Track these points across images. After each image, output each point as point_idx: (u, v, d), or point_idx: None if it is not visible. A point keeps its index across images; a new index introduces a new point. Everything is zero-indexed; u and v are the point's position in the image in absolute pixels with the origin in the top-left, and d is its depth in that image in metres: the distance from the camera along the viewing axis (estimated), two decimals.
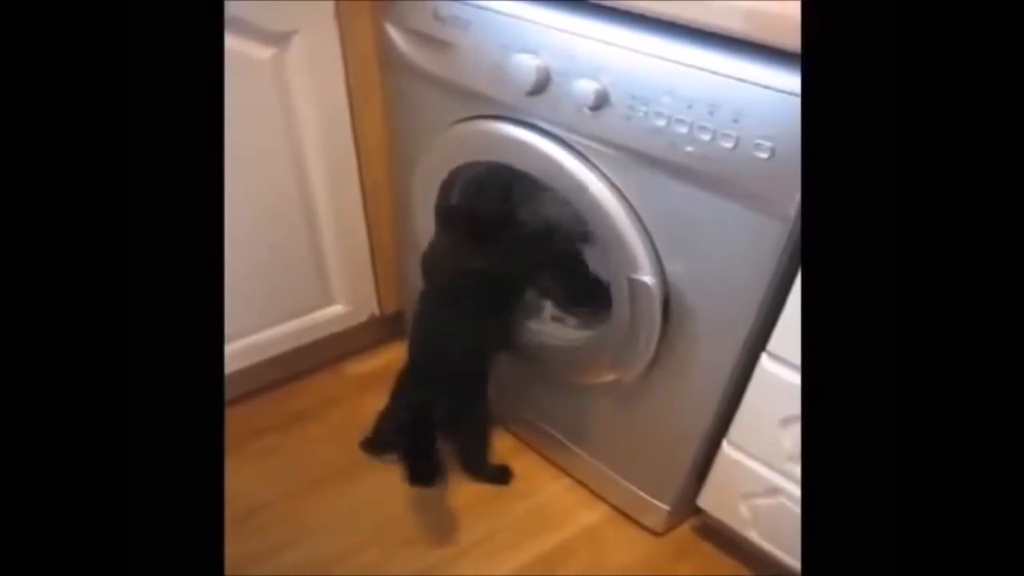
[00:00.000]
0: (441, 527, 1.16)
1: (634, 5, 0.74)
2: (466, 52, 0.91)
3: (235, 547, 1.08)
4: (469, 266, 1.00)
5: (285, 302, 1.26)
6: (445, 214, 1.09)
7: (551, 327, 1.10)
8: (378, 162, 1.20)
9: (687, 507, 1.11)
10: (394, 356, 1.44)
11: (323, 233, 1.22)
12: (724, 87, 0.70)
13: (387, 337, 1.49)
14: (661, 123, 0.75)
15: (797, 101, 0.65)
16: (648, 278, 0.85)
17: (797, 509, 0.92)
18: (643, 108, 0.76)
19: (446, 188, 1.07)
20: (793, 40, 0.64)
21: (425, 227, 1.13)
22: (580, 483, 1.23)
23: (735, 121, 0.70)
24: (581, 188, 0.86)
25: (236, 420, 1.30)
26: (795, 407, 0.84)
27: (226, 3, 0.87)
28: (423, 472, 1.00)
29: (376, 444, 1.20)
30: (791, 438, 0.87)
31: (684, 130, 0.74)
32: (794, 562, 0.97)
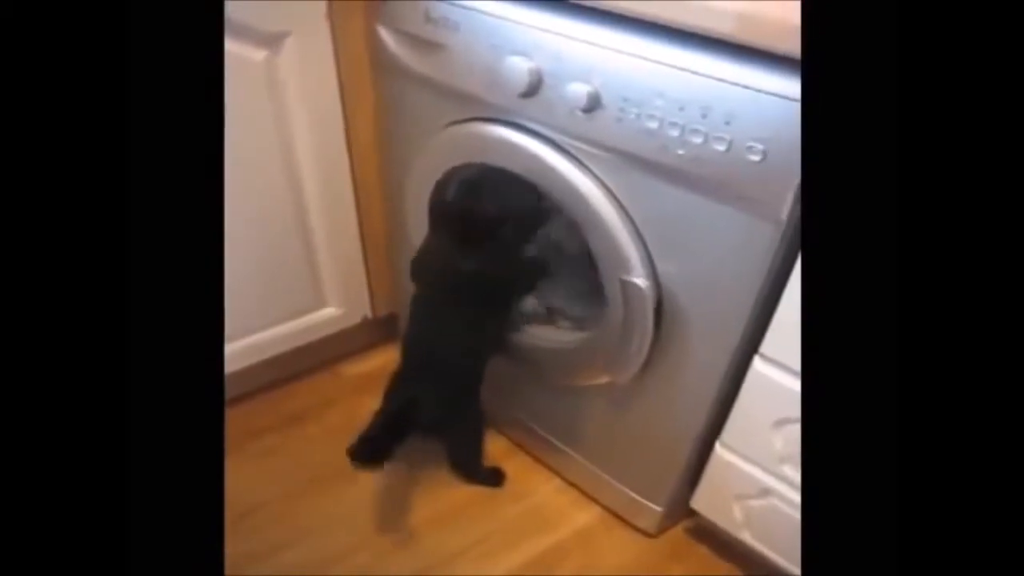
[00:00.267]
0: (435, 529, 1.16)
1: (626, 8, 0.74)
2: (458, 54, 0.90)
3: (232, 547, 1.08)
4: (461, 267, 1.00)
5: (278, 304, 1.26)
6: (438, 214, 1.09)
7: (543, 329, 1.10)
8: (370, 164, 1.20)
9: (680, 509, 1.11)
10: (389, 358, 1.43)
11: (315, 235, 1.22)
12: (716, 90, 0.70)
13: (382, 339, 1.49)
14: (653, 125, 0.75)
15: (789, 104, 0.65)
16: (640, 280, 0.85)
17: (790, 511, 0.92)
18: (635, 110, 0.76)
19: (439, 190, 1.07)
20: (785, 43, 0.64)
21: (418, 229, 1.13)
22: (573, 485, 1.23)
23: (727, 124, 0.70)
24: (573, 190, 0.86)
25: (232, 421, 1.29)
26: (788, 409, 0.84)
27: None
28: (370, 449, 1.01)
29: (367, 450, 1.19)
30: (784, 440, 0.87)
31: (676, 133, 0.74)
32: (787, 564, 0.97)
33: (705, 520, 1.08)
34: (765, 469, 0.92)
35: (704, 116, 0.71)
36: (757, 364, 0.85)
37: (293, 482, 1.22)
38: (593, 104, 0.79)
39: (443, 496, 1.21)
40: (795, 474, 0.89)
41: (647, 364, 0.93)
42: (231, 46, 0.95)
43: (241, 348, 1.24)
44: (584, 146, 0.84)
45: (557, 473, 1.25)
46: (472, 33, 0.88)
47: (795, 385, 0.82)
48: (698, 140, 0.72)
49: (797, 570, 0.96)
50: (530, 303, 1.14)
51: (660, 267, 0.85)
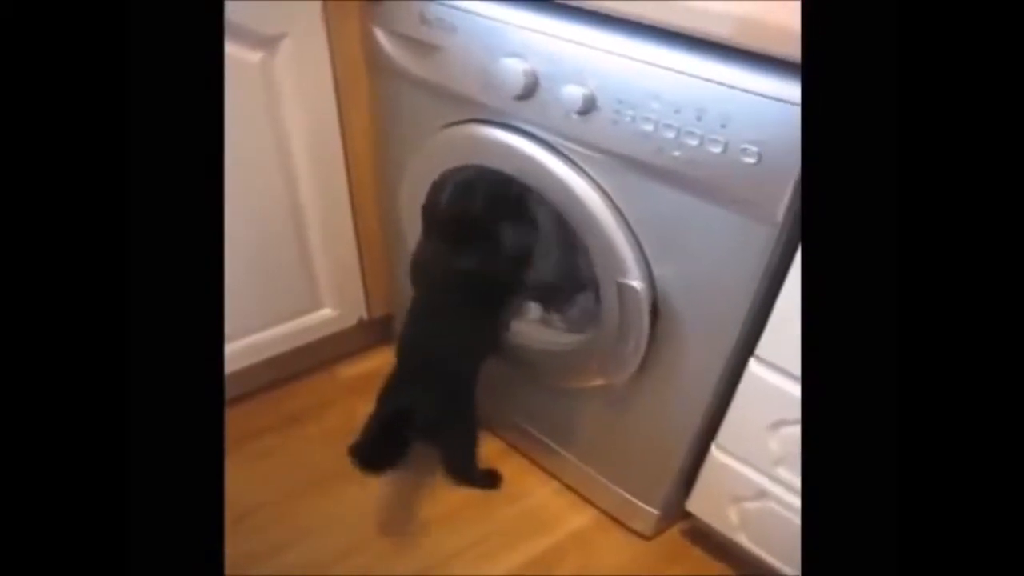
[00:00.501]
0: (432, 530, 1.16)
1: (621, 10, 0.74)
2: (454, 56, 0.90)
3: (230, 548, 1.07)
4: (457, 267, 1.00)
5: (274, 306, 1.26)
6: (433, 216, 1.09)
7: (539, 331, 1.10)
8: (366, 166, 1.20)
9: (676, 511, 1.11)
10: (385, 359, 1.43)
11: (311, 236, 1.22)
12: (711, 92, 0.70)
13: (376, 340, 1.49)
14: (649, 128, 0.75)
15: (784, 106, 0.65)
16: (636, 282, 0.85)
17: (785, 513, 0.92)
18: (630, 113, 0.76)
19: (435, 192, 1.07)
20: (780, 46, 0.64)
21: (413, 231, 1.13)
22: (569, 487, 1.23)
23: (722, 126, 0.70)
24: (569, 192, 0.86)
25: (229, 422, 1.29)
26: (783, 411, 0.84)
27: None
28: (373, 452, 1.02)
29: (365, 451, 1.19)
30: (779, 442, 0.87)
31: (671, 135, 0.74)
32: (783, 565, 0.97)
33: (701, 522, 1.08)
34: (760, 471, 0.92)
35: (699, 118, 0.71)
36: (752, 366, 0.85)
37: (290, 483, 1.22)
38: (589, 106, 0.79)
39: (440, 498, 1.21)
40: (790, 476, 0.89)
41: (643, 366, 0.93)
42: (227, 48, 0.94)
43: (237, 349, 1.24)
44: (580, 148, 0.84)
45: (553, 475, 1.25)
46: (468, 35, 0.88)
47: (791, 387, 0.82)
48: (693, 142, 0.73)
49: (792, 572, 0.96)
50: (526, 305, 1.14)
51: (656, 269, 0.85)
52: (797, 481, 0.88)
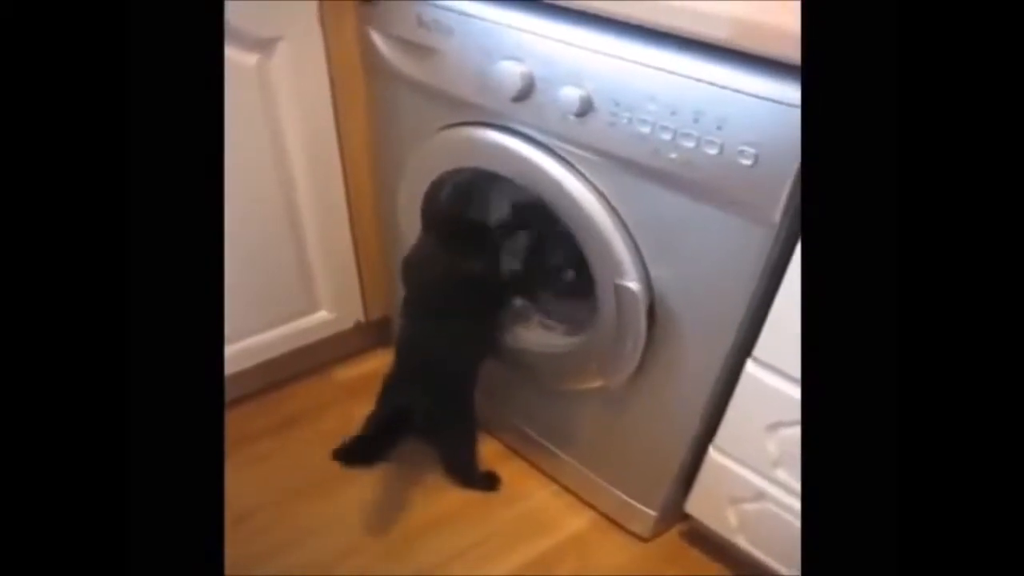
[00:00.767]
0: (430, 533, 1.15)
1: (618, 12, 0.74)
2: (450, 58, 0.90)
3: (228, 551, 1.05)
4: (463, 269, 1.00)
5: (271, 308, 1.25)
6: (436, 218, 1.09)
7: (537, 333, 1.10)
8: (363, 168, 1.20)
9: (674, 513, 1.11)
10: (383, 362, 1.43)
11: (308, 239, 1.22)
12: (708, 94, 0.70)
13: (375, 343, 1.48)
14: (645, 130, 0.75)
15: (781, 108, 0.65)
16: (634, 284, 0.85)
17: (784, 514, 0.92)
18: (627, 115, 0.76)
19: (432, 194, 1.07)
20: (776, 48, 0.64)
21: (411, 233, 1.13)
22: (567, 489, 1.23)
23: (719, 128, 0.70)
24: (566, 194, 0.86)
25: (227, 425, 1.28)
26: (781, 412, 0.84)
27: None
28: (357, 450, 1.07)
29: (354, 451, 1.19)
30: (777, 443, 0.87)
31: (668, 137, 0.74)
32: (781, 567, 0.97)
33: (699, 524, 1.08)
34: (759, 473, 0.92)
35: (696, 120, 0.71)
36: (750, 368, 0.85)
37: (288, 485, 1.21)
38: (585, 108, 0.79)
39: (438, 500, 1.20)
40: (789, 478, 0.89)
41: (640, 368, 0.93)
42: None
43: (234, 352, 1.23)
44: (576, 150, 0.84)
45: (551, 478, 1.25)
46: (464, 37, 0.88)
47: (788, 388, 0.82)
48: (690, 144, 0.72)
49: (791, 573, 0.96)
50: (523, 307, 1.14)
51: (653, 271, 0.85)
52: (795, 483, 0.88)
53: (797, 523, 0.91)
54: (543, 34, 0.80)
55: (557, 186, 0.86)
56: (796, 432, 0.84)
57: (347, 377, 1.45)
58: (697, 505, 1.05)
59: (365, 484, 1.21)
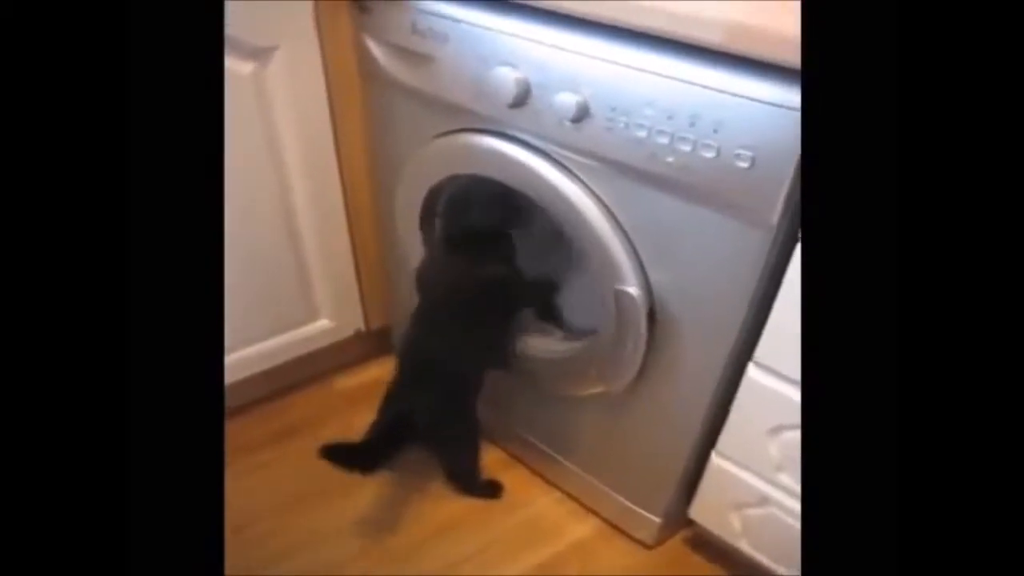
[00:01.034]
0: (431, 542, 1.15)
1: (614, 18, 0.74)
2: (446, 65, 0.90)
3: (227, 561, 1.06)
4: (487, 274, 1.00)
5: (270, 317, 1.25)
6: (445, 225, 1.08)
7: (537, 339, 1.09)
8: (361, 176, 1.20)
9: (678, 519, 1.10)
10: (383, 371, 1.42)
11: (307, 247, 1.21)
12: (704, 98, 0.70)
13: (376, 352, 1.48)
14: (642, 134, 0.75)
15: (777, 111, 0.65)
16: (633, 289, 0.85)
17: (787, 519, 0.91)
18: (624, 119, 0.76)
19: (429, 201, 1.07)
20: (773, 50, 0.64)
21: (409, 241, 1.13)
22: (570, 496, 1.22)
23: (715, 131, 0.70)
24: (564, 200, 0.86)
25: (227, 434, 1.27)
26: (783, 416, 0.84)
27: None
28: (357, 457, 1.06)
29: (342, 453, 1.17)
30: (779, 447, 0.87)
31: (665, 141, 0.73)
32: (786, 572, 0.96)
33: (703, 530, 1.07)
34: (762, 477, 0.91)
35: (692, 124, 0.71)
36: (751, 371, 0.84)
37: (288, 495, 1.21)
38: (581, 114, 0.79)
39: (440, 508, 1.20)
40: (792, 482, 0.88)
41: (641, 373, 0.93)
42: None
43: (233, 361, 1.23)
44: (573, 156, 0.84)
45: (554, 485, 1.24)
46: (459, 44, 0.87)
47: (790, 392, 0.81)
48: (687, 148, 0.72)
49: None
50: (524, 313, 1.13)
51: (652, 275, 0.85)
52: (799, 487, 0.88)
53: (800, 528, 0.90)
54: (538, 40, 0.80)
55: (555, 192, 0.86)
56: (799, 435, 0.84)
57: (347, 386, 1.44)
58: (701, 511, 1.04)
59: (366, 493, 1.20)
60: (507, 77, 0.83)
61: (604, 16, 0.75)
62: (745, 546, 1.00)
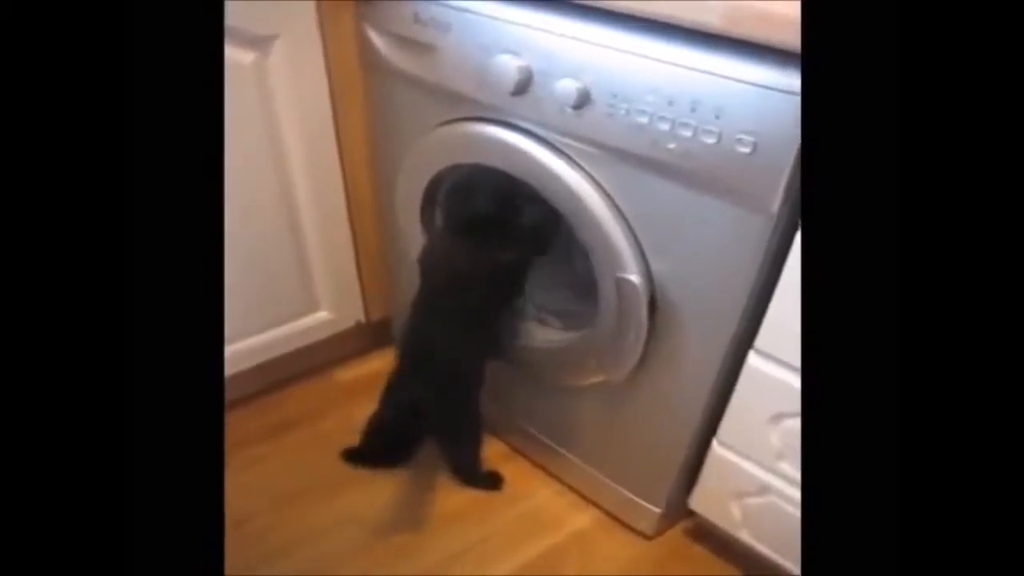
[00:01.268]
0: (431, 534, 1.15)
1: (614, 4, 0.74)
2: (448, 54, 0.90)
3: (228, 553, 1.05)
4: (495, 260, 1.00)
5: (269, 309, 1.25)
6: (460, 215, 1.09)
7: (538, 329, 1.10)
8: (362, 166, 1.20)
9: (679, 510, 1.10)
10: (383, 363, 1.42)
11: (307, 238, 1.21)
12: (706, 83, 0.70)
13: (375, 344, 1.48)
14: (643, 120, 0.75)
15: (779, 95, 0.65)
16: (634, 276, 0.85)
17: (788, 507, 0.91)
18: (625, 106, 0.76)
19: (430, 191, 1.07)
20: (773, 35, 0.64)
21: (410, 231, 1.13)
22: (571, 488, 1.22)
23: (717, 117, 0.70)
24: (565, 188, 0.86)
25: (226, 427, 1.28)
26: (783, 404, 0.84)
27: None
28: (372, 454, 1.08)
29: (363, 454, 1.18)
30: (780, 435, 0.87)
31: (666, 127, 0.74)
32: (786, 562, 0.96)
33: (704, 520, 1.07)
34: (762, 466, 0.91)
35: (693, 110, 0.71)
36: (752, 359, 0.85)
37: (288, 488, 1.21)
38: (583, 100, 0.79)
39: (441, 500, 1.20)
40: (792, 470, 0.88)
41: (642, 362, 0.93)
42: None
43: (232, 353, 1.23)
44: (575, 143, 0.84)
45: (555, 477, 1.24)
46: (461, 33, 0.88)
47: (791, 379, 0.82)
48: (688, 134, 0.72)
49: (795, 568, 0.95)
50: (523, 304, 1.13)
51: (653, 263, 0.85)
52: (799, 474, 0.88)
53: (800, 516, 0.90)
54: (540, 27, 0.80)
55: (556, 180, 0.86)
56: (799, 423, 0.84)
57: (347, 378, 1.44)
58: (701, 500, 1.04)
59: (366, 485, 1.20)
60: (509, 65, 0.83)
61: (605, 3, 0.75)
62: (745, 536, 1.00)
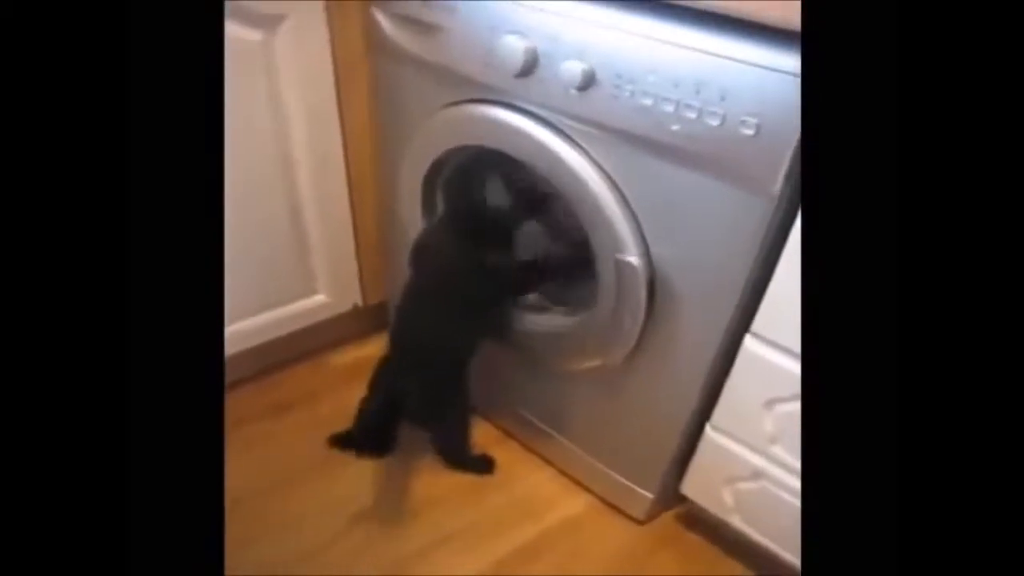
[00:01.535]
0: (422, 517, 1.15)
1: None
2: (453, 35, 0.91)
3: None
4: (482, 260, 1.00)
5: (267, 290, 1.25)
6: (456, 208, 1.09)
7: (534, 314, 1.10)
8: (364, 148, 1.20)
9: (671, 495, 1.11)
10: (380, 347, 1.42)
11: (307, 221, 1.22)
12: (710, 65, 0.71)
13: (371, 328, 1.48)
14: (648, 102, 0.76)
15: (783, 77, 0.66)
16: (635, 259, 0.86)
17: (780, 493, 0.92)
18: (629, 87, 0.77)
19: (432, 174, 1.07)
20: (778, 17, 0.65)
21: (411, 215, 1.13)
22: (563, 473, 1.23)
23: (721, 99, 0.71)
24: (568, 169, 0.87)
25: None
26: (778, 388, 0.85)
27: None
28: (360, 440, 1.10)
29: (351, 439, 1.18)
30: (774, 420, 0.88)
31: (670, 108, 0.75)
32: (777, 547, 0.97)
33: (695, 506, 1.08)
34: (755, 450, 0.92)
35: (698, 92, 0.72)
36: (748, 343, 0.86)
37: (283, 470, 1.21)
38: (588, 82, 0.80)
39: (431, 484, 1.20)
40: (786, 455, 0.89)
41: (639, 345, 0.94)
42: (227, 27, 0.95)
43: (230, 335, 1.23)
44: (579, 125, 0.85)
45: (548, 461, 1.25)
46: (468, 14, 0.88)
47: (786, 364, 0.83)
48: (692, 115, 0.73)
49: (786, 554, 0.96)
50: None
51: (653, 245, 0.86)
52: (792, 460, 0.89)
53: (792, 502, 0.91)
54: (547, 9, 0.81)
55: (559, 161, 0.87)
56: (793, 408, 0.85)
57: (343, 362, 1.45)
58: (693, 486, 1.05)
59: (359, 468, 1.20)
60: (515, 46, 0.84)
61: None
62: (736, 521, 1.01)
